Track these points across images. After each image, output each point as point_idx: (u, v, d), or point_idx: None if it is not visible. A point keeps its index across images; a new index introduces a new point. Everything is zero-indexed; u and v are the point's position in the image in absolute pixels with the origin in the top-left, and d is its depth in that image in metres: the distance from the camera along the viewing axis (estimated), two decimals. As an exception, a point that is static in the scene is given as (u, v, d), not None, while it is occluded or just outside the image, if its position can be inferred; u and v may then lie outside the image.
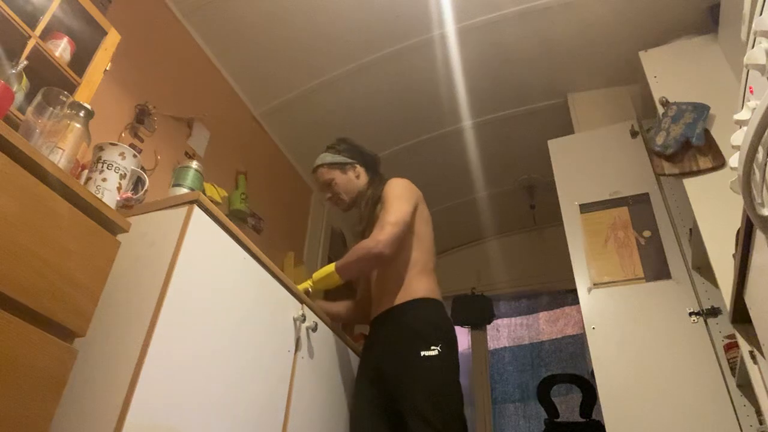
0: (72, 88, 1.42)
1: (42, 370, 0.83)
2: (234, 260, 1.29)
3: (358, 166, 1.87)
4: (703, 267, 1.94)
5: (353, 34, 2.44)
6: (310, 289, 1.65)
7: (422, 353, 1.48)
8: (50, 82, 1.30)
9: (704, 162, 1.83)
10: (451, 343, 1.55)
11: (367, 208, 1.77)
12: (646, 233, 2.12)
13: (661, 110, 2.02)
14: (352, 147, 1.90)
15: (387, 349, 1.58)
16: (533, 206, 3.47)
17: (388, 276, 1.66)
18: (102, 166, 1.22)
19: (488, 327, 3.83)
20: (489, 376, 3.62)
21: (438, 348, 1.49)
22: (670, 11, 2.27)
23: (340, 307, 1.89)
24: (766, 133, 0.79)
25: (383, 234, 1.58)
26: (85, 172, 1.25)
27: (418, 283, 1.62)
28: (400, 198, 1.67)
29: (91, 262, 0.96)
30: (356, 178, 1.85)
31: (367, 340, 1.74)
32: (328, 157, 1.87)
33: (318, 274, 1.68)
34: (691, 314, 1.89)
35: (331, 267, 1.65)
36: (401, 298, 1.60)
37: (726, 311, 1.54)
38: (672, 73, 2.12)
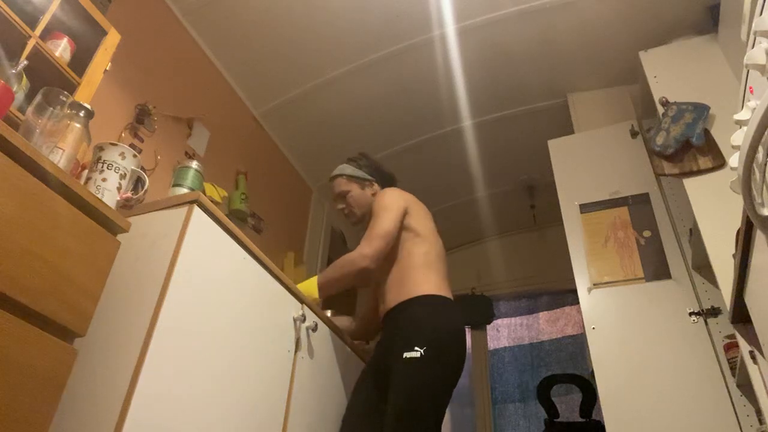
0: (72, 88, 1.42)
1: (42, 370, 0.83)
2: (234, 260, 1.29)
3: (375, 183, 1.90)
4: (703, 267, 1.94)
5: (353, 34, 2.44)
6: None
7: (405, 355, 1.46)
8: (50, 82, 1.30)
9: (704, 162, 1.83)
10: (439, 342, 1.49)
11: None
12: (646, 233, 2.12)
13: (661, 110, 2.02)
14: (372, 164, 1.94)
15: (383, 350, 1.61)
16: (533, 206, 3.47)
17: (391, 276, 1.66)
18: (102, 166, 1.22)
19: (488, 327, 3.83)
20: (489, 376, 3.62)
21: (421, 350, 1.45)
22: (670, 11, 2.27)
23: (347, 321, 1.92)
24: (766, 133, 0.79)
25: (369, 248, 1.59)
26: (85, 172, 1.25)
27: (419, 280, 1.61)
28: (386, 209, 1.68)
29: (91, 262, 0.96)
30: (372, 195, 1.87)
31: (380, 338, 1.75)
32: (348, 169, 1.90)
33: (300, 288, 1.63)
34: (691, 314, 1.89)
35: (313, 284, 1.64)
36: (401, 296, 1.60)
37: (726, 311, 1.54)
38: (672, 73, 2.12)
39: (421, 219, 1.74)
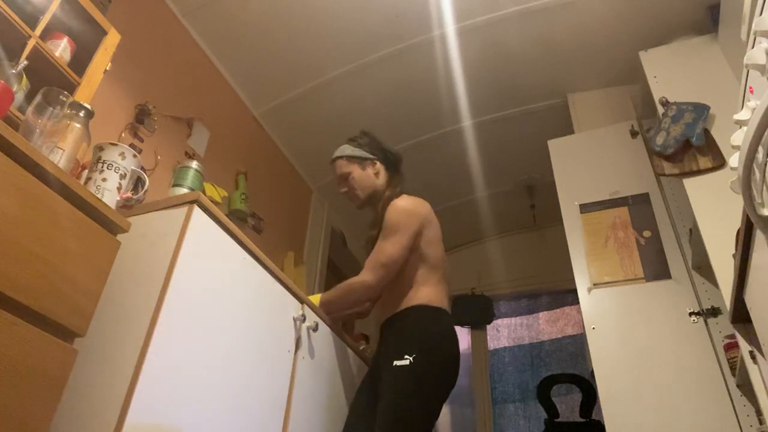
0: (72, 88, 1.42)
1: (42, 370, 0.83)
2: (234, 260, 1.29)
3: (378, 162, 1.80)
4: (703, 267, 1.94)
5: (353, 34, 2.44)
6: None
7: (395, 363, 1.46)
8: (50, 82, 1.30)
9: (704, 162, 1.83)
10: (430, 349, 1.48)
11: (383, 212, 1.69)
12: (646, 233, 2.12)
13: (661, 110, 2.02)
14: (374, 142, 1.83)
15: (378, 358, 1.61)
16: (533, 206, 3.47)
17: (389, 290, 1.65)
18: (102, 166, 1.22)
19: (488, 327, 3.83)
20: (489, 376, 3.62)
21: (411, 357, 1.44)
22: (670, 11, 2.27)
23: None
24: (766, 133, 0.79)
25: (374, 278, 1.57)
26: (85, 172, 1.25)
27: (417, 293, 1.60)
28: (398, 230, 1.60)
29: (91, 262, 0.96)
30: (375, 175, 1.78)
31: None
32: (348, 149, 1.81)
33: None
34: (691, 314, 1.89)
35: (315, 302, 1.64)
36: (396, 308, 1.61)
37: (726, 311, 1.54)
38: (672, 73, 2.12)
39: (432, 242, 1.67)
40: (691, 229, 1.94)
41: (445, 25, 2.40)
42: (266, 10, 2.31)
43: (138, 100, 1.96)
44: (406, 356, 1.45)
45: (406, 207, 1.66)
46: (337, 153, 1.83)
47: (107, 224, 1.02)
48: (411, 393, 1.42)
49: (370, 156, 1.80)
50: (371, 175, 1.78)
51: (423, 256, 1.64)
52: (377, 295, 1.69)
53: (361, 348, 1.96)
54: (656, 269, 2.02)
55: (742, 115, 1.04)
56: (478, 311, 3.75)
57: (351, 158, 1.79)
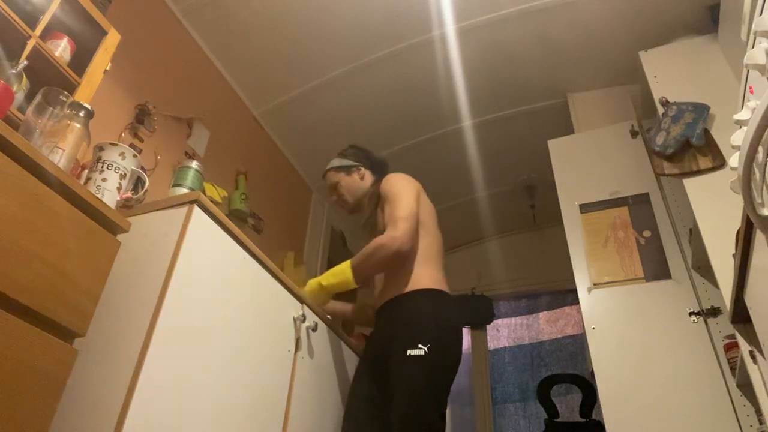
0: (72, 88, 1.42)
1: (42, 370, 0.83)
2: (234, 260, 1.29)
3: (363, 168, 1.90)
4: (703, 267, 1.94)
5: (353, 34, 2.44)
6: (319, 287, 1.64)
7: (408, 352, 1.45)
8: (50, 82, 1.30)
9: (704, 162, 1.83)
10: (443, 340, 1.49)
11: (371, 202, 1.79)
12: (646, 233, 2.12)
13: (661, 110, 2.02)
14: (358, 151, 1.95)
15: (382, 343, 1.58)
16: (533, 206, 3.47)
17: (391, 266, 1.63)
18: (102, 166, 1.22)
19: (488, 327, 3.83)
20: (489, 376, 3.62)
21: (425, 347, 1.44)
22: (670, 11, 2.27)
23: (343, 306, 1.91)
24: (766, 133, 0.79)
25: (398, 230, 1.56)
26: (85, 172, 1.25)
27: (420, 273, 1.59)
28: (403, 191, 1.67)
29: (91, 262, 0.96)
30: (360, 179, 1.88)
31: (373, 330, 1.73)
32: (335, 161, 1.93)
33: (330, 276, 1.63)
34: (691, 314, 1.89)
35: (346, 268, 1.61)
36: (401, 288, 1.59)
37: (726, 311, 1.54)
38: (672, 73, 2.12)
39: (428, 209, 1.74)
40: (691, 229, 1.94)
41: (445, 25, 2.40)
42: (266, 10, 2.31)
43: (138, 100, 1.96)
44: (420, 345, 1.44)
45: (403, 175, 1.76)
46: (327, 166, 1.95)
47: (107, 224, 1.02)
48: (428, 384, 1.43)
49: (355, 163, 1.90)
50: (357, 180, 1.88)
51: (423, 223, 1.68)
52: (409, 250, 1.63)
53: (360, 348, 1.95)
54: (656, 269, 2.02)
55: (742, 115, 1.04)
56: (478, 311, 3.75)
57: (338, 168, 1.91)
